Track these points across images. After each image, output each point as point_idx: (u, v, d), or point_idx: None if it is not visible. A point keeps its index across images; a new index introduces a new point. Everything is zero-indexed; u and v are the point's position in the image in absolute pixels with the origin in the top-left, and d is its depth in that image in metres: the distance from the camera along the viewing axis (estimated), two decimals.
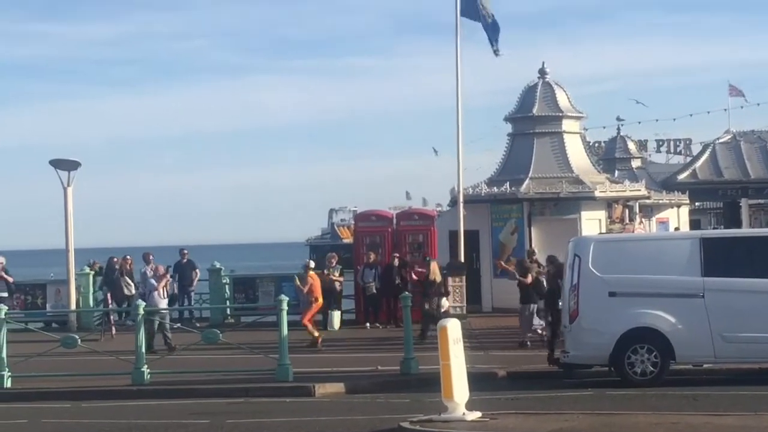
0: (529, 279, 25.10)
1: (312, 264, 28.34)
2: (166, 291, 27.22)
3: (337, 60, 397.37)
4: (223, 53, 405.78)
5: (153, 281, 26.13)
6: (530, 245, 31.47)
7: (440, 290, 26.70)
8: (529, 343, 24.51)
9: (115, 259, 31.59)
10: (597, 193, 32.67)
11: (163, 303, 26.52)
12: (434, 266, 27.19)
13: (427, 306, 26.44)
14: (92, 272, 33.09)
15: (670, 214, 44.13)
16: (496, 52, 30.72)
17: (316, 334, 25.72)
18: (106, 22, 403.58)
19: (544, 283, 24.06)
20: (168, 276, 27.50)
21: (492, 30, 30.72)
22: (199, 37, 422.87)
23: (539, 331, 24.55)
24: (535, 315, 24.93)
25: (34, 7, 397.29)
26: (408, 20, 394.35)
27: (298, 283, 27.08)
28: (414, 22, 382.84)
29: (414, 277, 28.26)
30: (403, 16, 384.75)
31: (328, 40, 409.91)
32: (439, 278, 26.91)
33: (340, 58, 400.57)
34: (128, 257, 32.04)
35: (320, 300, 26.61)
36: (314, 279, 26.95)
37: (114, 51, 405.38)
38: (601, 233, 29.20)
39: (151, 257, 30.39)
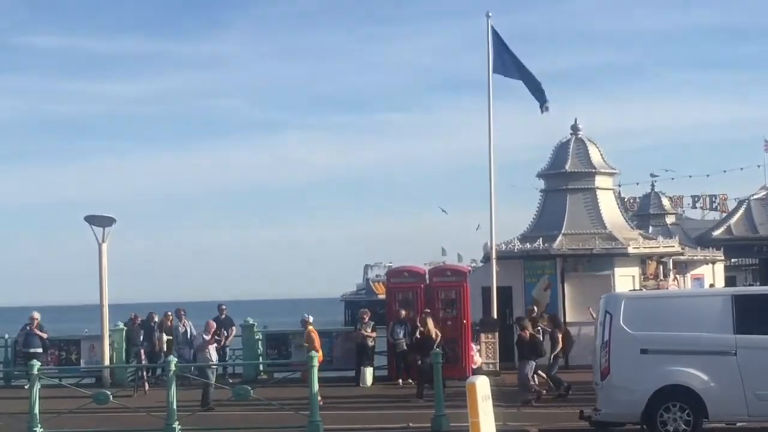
0: (527, 334, 25.21)
1: (310, 319, 28.51)
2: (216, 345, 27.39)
3: (370, 116, 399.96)
4: (257, 110, 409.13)
5: (205, 336, 26.13)
6: (562, 302, 31.46)
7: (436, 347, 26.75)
8: (533, 401, 24.43)
9: (153, 315, 31.82)
10: (630, 250, 32.56)
11: (215, 358, 26.67)
12: (430, 322, 27.17)
13: (420, 362, 26.40)
14: (125, 328, 33.15)
15: (705, 271, 43.82)
16: (544, 108, 30.92)
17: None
18: (142, 81, 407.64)
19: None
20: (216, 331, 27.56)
21: (536, 88, 30.94)
22: (233, 95, 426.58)
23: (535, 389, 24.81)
24: (531, 372, 25.03)
25: (72, 65, 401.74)
26: (440, 77, 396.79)
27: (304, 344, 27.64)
28: (446, 79, 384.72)
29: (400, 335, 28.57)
30: (435, 73, 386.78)
31: (362, 97, 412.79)
32: (434, 334, 26.87)
33: (374, 114, 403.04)
34: (169, 313, 32.21)
35: (320, 354, 26.64)
36: (314, 333, 27.31)
37: (150, 108, 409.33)
38: (634, 290, 29.09)
39: (183, 313, 30.49)
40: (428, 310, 28.98)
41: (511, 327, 30.84)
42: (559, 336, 26.86)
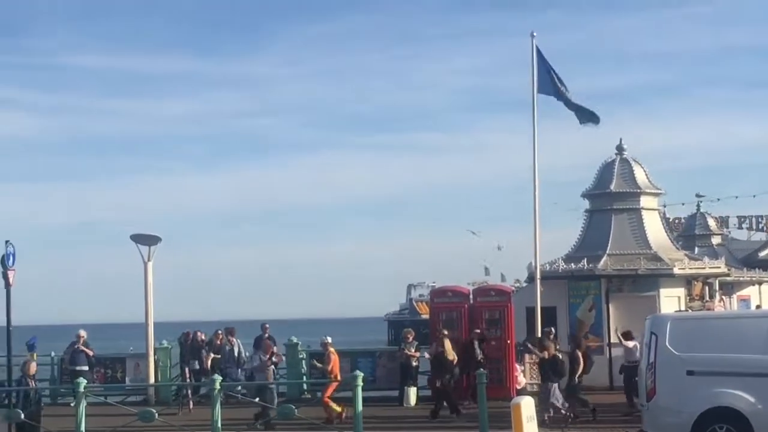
0: (546, 355, 25.17)
1: (329, 340, 28.53)
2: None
3: (410, 136, 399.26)
4: (297, 130, 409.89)
5: (262, 356, 26.02)
6: (607, 323, 31.33)
7: (452, 368, 26.69)
8: (547, 420, 24.44)
9: (199, 333, 31.94)
10: (676, 270, 32.37)
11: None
12: (447, 343, 27.09)
13: (438, 383, 26.32)
14: (170, 346, 33.31)
15: (751, 292, 43.43)
16: (590, 122, 30.88)
17: (339, 408, 25.77)
18: (183, 100, 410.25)
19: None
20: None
21: (578, 108, 30.90)
22: (273, 115, 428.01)
23: (562, 411, 24.70)
24: (556, 393, 24.92)
25: (115, 85, 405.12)
26: (481, 97, 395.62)
27: (315, 362, 27.96)
28: (487, 99, 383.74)
29: (426, 354, 28.43)
30: (475, 92, 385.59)
31: (402, 117, 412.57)
32: (452, 356, 26.78)
33: (414, 134, 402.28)
34: (219, 332, 32.27)
35: (338, 377, 26.73)
36: (334, 355, 27.31)
37: (190, 127, 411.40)
38: (680, 311, 28.91)
39: (232, 331, 30.57)
40: (478, 330, 29.00)
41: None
42: (580, 356, 26.67)
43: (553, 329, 29.02)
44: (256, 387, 25.75)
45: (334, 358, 27.29)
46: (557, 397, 25.11)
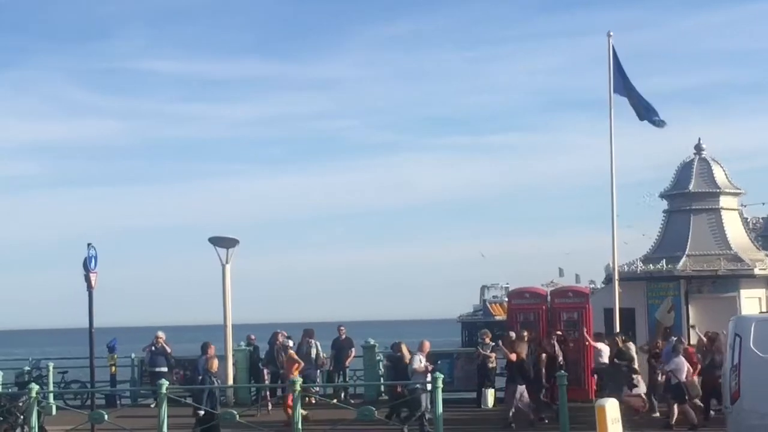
0: (514, 357, 24.92)
1: (291, 343, 28.43)
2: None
3: (485, 137, 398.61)
4: (372, 132, 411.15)
5: (421, 357, 25.43)
6: (687, 324, 31.00)
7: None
8: (513, 424, 24.51)
9: (278, 334, 32.00)
10: (757, 271, 31.92)
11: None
12: (404, 348, 26.81)
13: (399, 389, 25.96)
14: (250, 348, 33.44)
15: None
16: (658, 124, 30.68)
17: (304, 412, 25.53)
18: (258, 103, 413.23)
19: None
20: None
21: (646, 108, 30.66)
22: (348, 117, 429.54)
23: (531, 416, 24.76)
24: (524, 395, 24.83)
25: (190, 89, 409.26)
26: (556, 97, 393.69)
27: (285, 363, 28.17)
28: (562, 99, 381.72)
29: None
30: (550, 93, 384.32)
31: (477, 117, 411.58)
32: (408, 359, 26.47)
33: (489, 135, 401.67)
34: (278, 333, 32.35)
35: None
36: (293, 358, 27.85)
37: (266, 131, 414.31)
38: (762, 312, 28.52)
39: (311, 333, 30.72)
40: (559, 332, 28.85)
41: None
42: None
43: (512, 333, 28.50)
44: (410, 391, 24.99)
45: (294, 362, 27.75)
46: (524, 400, 24.86)
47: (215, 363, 22.78)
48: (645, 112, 30.93)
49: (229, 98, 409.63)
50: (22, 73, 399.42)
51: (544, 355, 27.45)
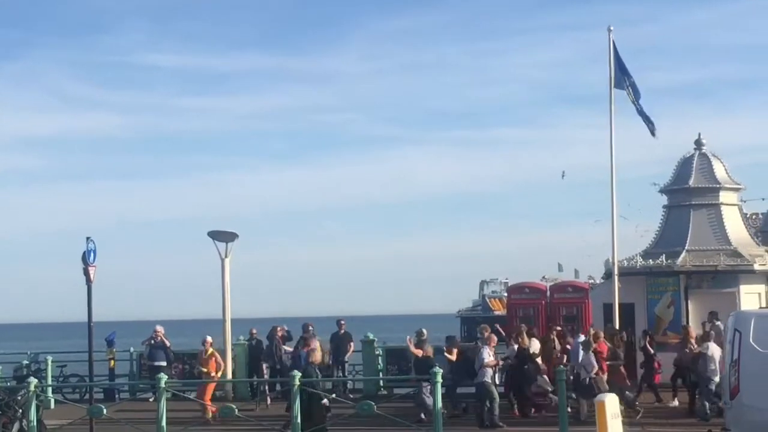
0: (421, 354, 25.08)
1: (210, 340, 28.49)
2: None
3: (487, 131, 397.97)
4: (375, 125, 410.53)
5: (489, 351, 25.57)
6: (686, 319, 30.98)
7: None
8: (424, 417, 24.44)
9: (277, 329, 31.96)
10: (756, 267, 31.88)
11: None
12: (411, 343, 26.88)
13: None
14: (247, 342, 33.37)
15: None
16: (652, 132, 30.73)
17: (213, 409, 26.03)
18: (260, 97, 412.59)
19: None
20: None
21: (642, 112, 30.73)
22: (351, 110, 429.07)
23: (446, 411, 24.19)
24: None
25: (192, 82, 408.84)
26: (558, 91, 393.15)
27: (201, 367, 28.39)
28: (563, 94, 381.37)
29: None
30: (552, 87, 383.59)
31: (479, 111, 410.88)
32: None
33: (491, 129, 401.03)
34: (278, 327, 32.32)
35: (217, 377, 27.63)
36: (215, 356, 28.13)
37: (268, 124, 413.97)
38: (761, 308, 28.51)
39: (310, 328, 30.66)
40: (559, 327, 28.81)
41: (633, 344, 30.46)
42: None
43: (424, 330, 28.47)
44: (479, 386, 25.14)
45: (215, 359, 28.02)
46: (428, 397, 24.83)
47: (318, 355, 22.99)
48: (641, 113, 30.98)
49: (231, 92, 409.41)
50: (23, 66, 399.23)
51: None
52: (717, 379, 23.98)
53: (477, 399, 25.20)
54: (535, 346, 27.20)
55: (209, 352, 28.67)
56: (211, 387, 28.16)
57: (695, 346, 26.09)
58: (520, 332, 27.17)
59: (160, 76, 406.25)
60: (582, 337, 26.31)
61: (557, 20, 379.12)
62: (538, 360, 26.75)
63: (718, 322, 27.64)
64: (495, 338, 26.44)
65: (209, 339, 29.09)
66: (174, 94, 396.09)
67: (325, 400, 21.38)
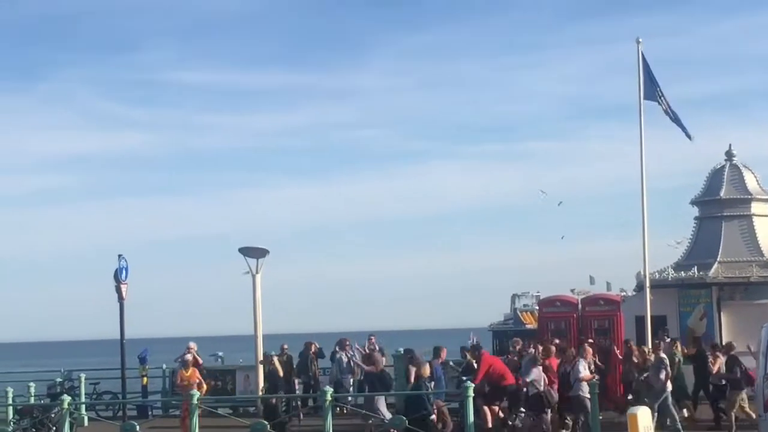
0: (375, 369, 24.99)
1: (190, 358, 28.16)
2: None
3: (515, 145, 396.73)
4: (401, 141, 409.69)
5: (585, 363, 24.87)
6: (719, 331, 30.82)
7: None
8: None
9: (311, 345, 31.94)
10: None
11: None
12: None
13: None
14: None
15: None
16: (689, 136, 30.59)
17: None
18: (285, 114, 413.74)
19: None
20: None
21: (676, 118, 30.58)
22: (377, 126, 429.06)
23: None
24: (382, 406, 24.56)
25: (217, 100, 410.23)
26: (586, 104, 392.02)
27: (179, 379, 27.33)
28: (592, 106, 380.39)
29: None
30: (580, 100, 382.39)
31: (506, 125, 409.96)
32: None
33: (519, 142, 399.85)
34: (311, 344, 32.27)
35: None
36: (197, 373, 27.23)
37: (293, 141, 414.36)
38: None
39: (347, 343, 30.66)
40: (591, 340, 28.55)
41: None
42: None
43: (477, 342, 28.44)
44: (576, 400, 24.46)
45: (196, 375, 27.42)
46: (382, 411, 24.70)
47: (427, 369, 23.09)
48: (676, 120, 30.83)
49: (256, 109, 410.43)
50: (52, 86, 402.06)
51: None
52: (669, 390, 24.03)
53: (570, 411, 24.91)
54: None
55: (191, 369, 28.12)
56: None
57: (641, 361, 25.87)
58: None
59: (187, 93, 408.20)
60: (531, 352, 26.18)
61: (584, 33, 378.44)
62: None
63: (668, 339, 27.81)
64: (590, 350, 25.77)
65: (189, 357, 28.55)
66: (200, 111, 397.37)
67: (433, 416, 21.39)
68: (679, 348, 27.39)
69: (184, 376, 27.42)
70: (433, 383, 23.66)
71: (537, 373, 24.48)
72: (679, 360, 26.71)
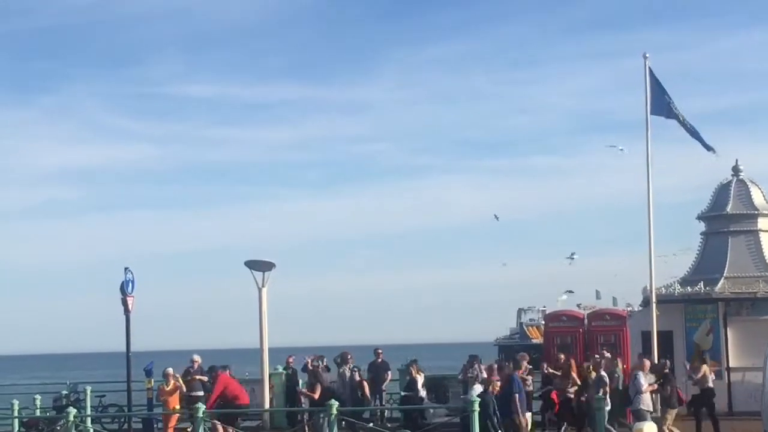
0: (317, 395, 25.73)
1: (171, 372, 28.24)
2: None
3: (520, 160, 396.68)
4: (406, 155, 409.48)
5: (644, 378, 24.59)
6: (725, 347, 30.75)
7: None
8: None
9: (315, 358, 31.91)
10: None
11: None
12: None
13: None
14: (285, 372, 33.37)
15: None
16: (710, 149, 30.64)
17: None
18: (293, 127, 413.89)
19: None
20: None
21: (693, 131, 30.62)
22: (383, 140, 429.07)
23: None
24: None
25: (225, 113, 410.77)
26: (590, 119, 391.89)
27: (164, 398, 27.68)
28: (598, 121, 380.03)
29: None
30: (584, 115, 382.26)
31: (511, 140, 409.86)
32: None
33: (524, 157, 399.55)
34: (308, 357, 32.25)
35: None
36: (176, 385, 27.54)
37: (300, 154, 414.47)
38: None
39: (349, 357, 30.62)
40: (597, 356, 28.52)
41: (672, 371, 30.23)
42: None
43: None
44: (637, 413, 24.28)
45: (177, 391, 27.71)
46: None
47: (497, 386, 22.98)
48: (693, 133, 30.88)
49: (266, 122, 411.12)
50: (59, 99, 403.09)
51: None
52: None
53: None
54: None
55: (171, 383, 28.17)
56: (174, 419, 27.70)
57: (580, 378, 25.88)
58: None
59: (195, 106, 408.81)
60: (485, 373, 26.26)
61: (592, 48, 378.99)
62: None
63: (607, 354, 27.75)
64: (648, 363, 25.43)
65: (171, 371, 28.47)
66: (209, 124, 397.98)
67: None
68: (620, 364, 27.24)
69: (164, 391, 27.41)
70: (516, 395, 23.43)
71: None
72: (619, 377, 26.64)
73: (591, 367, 26.38)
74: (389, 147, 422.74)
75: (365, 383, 29.72)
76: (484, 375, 26.12)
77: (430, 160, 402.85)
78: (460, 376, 31.42)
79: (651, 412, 23.78)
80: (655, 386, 24.83)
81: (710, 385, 27.19)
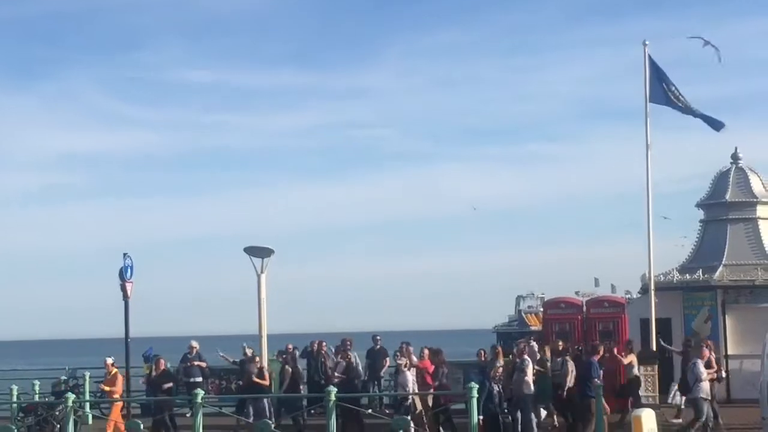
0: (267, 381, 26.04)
1: (110, 361, 28.09)
2: None
3: (522, 147, 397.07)
4: (409, 142, 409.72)
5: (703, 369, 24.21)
6: (723, 334, 30.74)
7: None
8: None
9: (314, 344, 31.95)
10: None
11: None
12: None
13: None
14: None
15: None
16: (720, 126, 30.70)
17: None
18: (294, 113, 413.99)
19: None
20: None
21: (699, 113, 30.64)
22: (385, 127, 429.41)
23: None
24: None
25: (225, 99, 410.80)
26: (593, 106, 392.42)
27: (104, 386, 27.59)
28: (599, 109, 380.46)
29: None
30: (587, 102, 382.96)
31: (513, 127, 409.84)
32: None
33: (526, 144, 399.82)
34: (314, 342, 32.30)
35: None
36: (119, 376, 27.41)
37: (302, 140, 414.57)
38: None
39: (348, 343, 30.62)
40: (597, 342, 28.52)
41: (671, 359, 30.30)
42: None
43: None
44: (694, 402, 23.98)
45: (120, 379, 27.38)
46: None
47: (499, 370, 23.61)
48: (711, 121, 30.90)
49: (267, 108, 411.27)
50: (59, 85, 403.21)
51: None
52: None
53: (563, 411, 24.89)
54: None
55: (113, 372, 27.84)
56: (119, 407, 27.43)
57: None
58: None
59: (196, 92, 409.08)
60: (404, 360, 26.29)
61: (593, 35, 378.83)
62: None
63: (533, 342, 28.02)
64: (707, 351, 25.01)
65: (110, 360, 28.32)
66: (209, 110, 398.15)
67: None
68: (548, 351, 27.16)
69: (107, 380, 27.31)
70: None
71: (403, 378, 24.56)
72: (546, 362, 26.58)
73: (517, 352, 26.40)
74: (390, 133, 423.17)
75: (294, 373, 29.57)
76: (537, 356, 26.13)
77: (432, 147, 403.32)
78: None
79: (708, 400, 23.57)
80: (714, 375, 24.71)
81: (636, 373, 27.35)
